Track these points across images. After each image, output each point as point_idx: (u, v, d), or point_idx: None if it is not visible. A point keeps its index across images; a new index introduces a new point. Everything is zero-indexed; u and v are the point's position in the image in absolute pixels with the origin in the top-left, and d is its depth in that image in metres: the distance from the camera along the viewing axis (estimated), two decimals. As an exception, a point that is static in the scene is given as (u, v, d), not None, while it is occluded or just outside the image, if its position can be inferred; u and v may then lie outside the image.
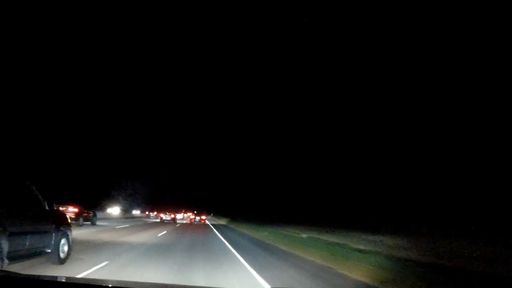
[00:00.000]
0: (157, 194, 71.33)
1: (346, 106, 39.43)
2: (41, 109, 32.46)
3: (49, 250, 6.91)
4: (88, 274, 6.60)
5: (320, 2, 39.09)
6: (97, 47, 55.30)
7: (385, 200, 27.36)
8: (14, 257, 5.50)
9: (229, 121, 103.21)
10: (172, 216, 43.56)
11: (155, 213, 62.74)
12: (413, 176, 25.01)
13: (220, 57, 78.98)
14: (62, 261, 7.34)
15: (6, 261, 5.20)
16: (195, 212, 59.57)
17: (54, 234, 7.06)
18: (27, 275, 2.76)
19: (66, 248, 7.59)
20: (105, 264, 7.81)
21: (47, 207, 7.00)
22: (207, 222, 50.44)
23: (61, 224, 7.54)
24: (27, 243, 5.96)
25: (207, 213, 76.38)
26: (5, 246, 5.17)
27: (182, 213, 68.10)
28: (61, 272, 6.60)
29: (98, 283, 2.74)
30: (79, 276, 6.20)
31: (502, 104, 20.06)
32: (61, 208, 21.51)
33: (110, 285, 2.65)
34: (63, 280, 2.69)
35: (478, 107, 21.82)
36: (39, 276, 3.00)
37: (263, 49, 63.63)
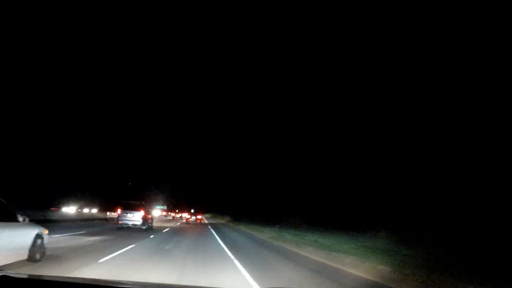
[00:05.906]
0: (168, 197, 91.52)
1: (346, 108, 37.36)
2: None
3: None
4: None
5: (318, 0, 40.38)
6: (113, 60, 68.28)
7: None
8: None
9: (233, 122, 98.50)
10: (165, 213, 64.05)
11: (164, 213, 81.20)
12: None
13: (219, 57, 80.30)
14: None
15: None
16: (192, 211, 62.51)
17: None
18: (27, 274, 2.80)
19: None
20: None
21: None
22: (205, 221, 53.11)
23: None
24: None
25: (205, 212, 78.76)
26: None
27: (181, 213, 77.09)
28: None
29: (98, 283, 2.83)
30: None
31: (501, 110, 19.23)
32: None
33: (110, 285, 2.83)
34: (63, 280, 2.72)
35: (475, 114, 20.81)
36: (39, 276, 3.15)
37: (262, 49, 64.36)
